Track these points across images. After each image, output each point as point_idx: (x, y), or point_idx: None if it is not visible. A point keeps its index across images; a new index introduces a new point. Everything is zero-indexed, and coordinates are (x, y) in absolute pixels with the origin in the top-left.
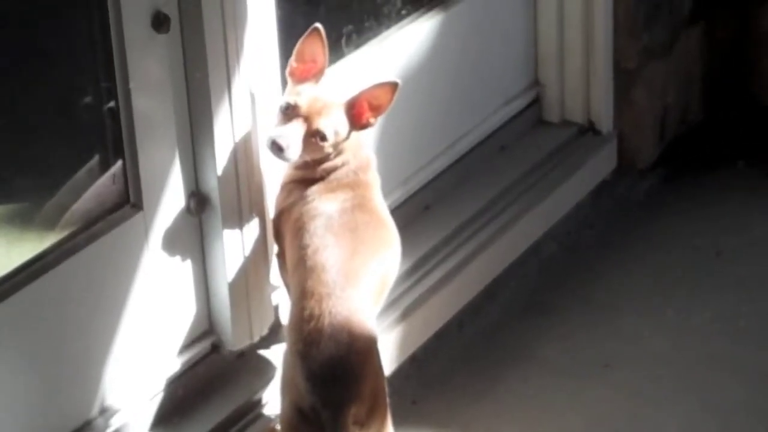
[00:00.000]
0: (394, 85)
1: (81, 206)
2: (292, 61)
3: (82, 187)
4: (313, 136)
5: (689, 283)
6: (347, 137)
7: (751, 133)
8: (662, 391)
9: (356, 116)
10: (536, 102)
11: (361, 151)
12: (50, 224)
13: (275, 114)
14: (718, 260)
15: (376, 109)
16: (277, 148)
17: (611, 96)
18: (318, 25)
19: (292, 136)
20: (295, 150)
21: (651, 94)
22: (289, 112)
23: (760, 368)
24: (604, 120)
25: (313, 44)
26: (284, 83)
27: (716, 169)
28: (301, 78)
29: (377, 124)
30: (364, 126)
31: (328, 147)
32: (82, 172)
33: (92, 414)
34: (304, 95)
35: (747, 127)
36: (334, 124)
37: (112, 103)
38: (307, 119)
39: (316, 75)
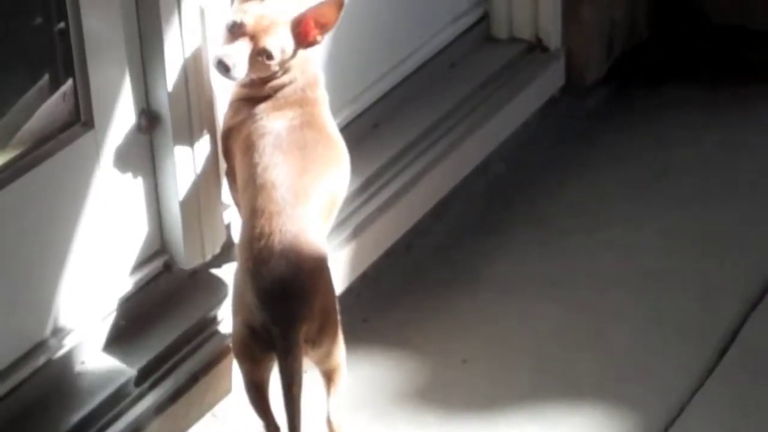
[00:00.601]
0: (340, 3)
1: (32, 125)
2: None
3: (32, 107)
4: (260, 55)
5: (637, 199)
6: (293, 55)
7: (698, 49)
8: (610, 306)
9: (302, 34)
10: (484, 19)
11: (309, 69)
12: (1, 144)
13: (222, 31)
14: (666, 176)
15: (322, 27)
16: (223, 68)
17: (559, 12)
18: None
19: (238, 55)
20: (241, 69)
21: (598, 10)
22: (236, 31)
23: (707, 281)
24: (552, 37)
25: None
26: None
27: (663, 85)
28: None
29: (325, 42)
30: (310, 44)
31: (274, 65)
32: (32, 92)
33: (45, 334)
34: (250, 13)
35: (693, 44)
36: (280, 42)
37: (62, 24)
38: (253, 38)
39: None
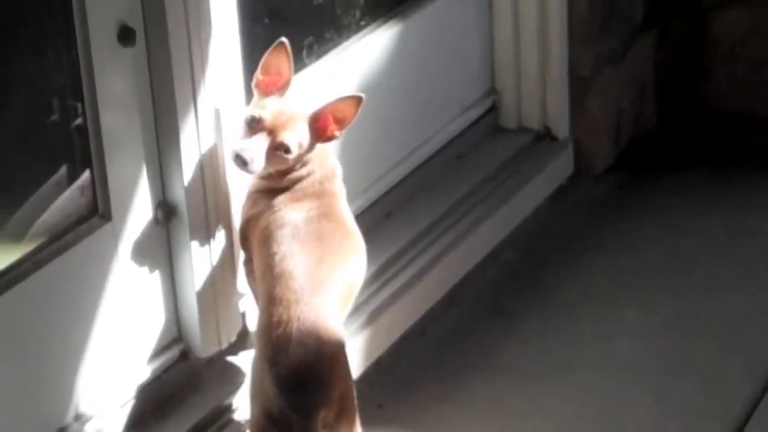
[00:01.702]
0: (358, 99)
1: (48, 218)
2: (258, 74)
3: (49, 200)
4: (277, 149)
5: (648, 286)
6: (311, 149)
7: (704, 138)
8: (624, 392)
9: (320, 129)
10: (493, 109)
11: (327, 162)
12: (18, 237)
13: (240, 126)
14: (676, 263)
15: (340, 122)
16: (241, 162)
17: (567, 102)
18: (284, 39)
19: (256, 149)
20: (258, 163)
21: (606, 100)
22: (254, 125)
23: (719, 370)
24: (560, 126)
25: (279, 58)
26: (248, 96)
27: (671, 174)
28: (266, 90)
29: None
30: (328, 138)
31: (291, 159)
32: (49, 185)
33: (67, 420)
34: (268, 108)
35: (699, 132)
36: (298, 137)
37: (79, 120)
38: (272, 132)
39: (282, 88)
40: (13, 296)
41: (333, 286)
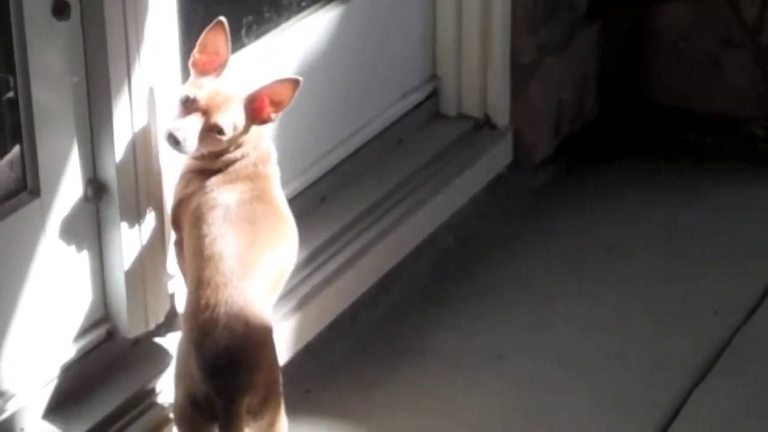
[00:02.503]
0: (295, 82)
1: None
2: (195, 53)
3: None
4: (211, 130)
5: (582, 276)
6: (246, 131)
7: (644, 130)
8: (555, 382)
9: (256, 111)
10: (433, 95)
11: (261, 144)
12: None
13: (175, 105)
14: (611, 254)
15: (276, 105)
16: (173, 141)
17: (508, 91)
18: (222, 18)
19: (189, 129)
20: (191, 143)
21: (547, 89)
22: (189, 105)
23: (648, 362)
24: (501, 114)
25: (217, 37)
26: (185, 75)
27: (610, 164)
28: (203, 70)
29: None
30: (264, 121)
31: (225, 141)
32: None
33: None
34: (204, 89)
35: (640, 124)
36: (232, 118)
37: (11, 94)
38: (206, 113)
39: (218, 68)
40: None
41: (263, 270)
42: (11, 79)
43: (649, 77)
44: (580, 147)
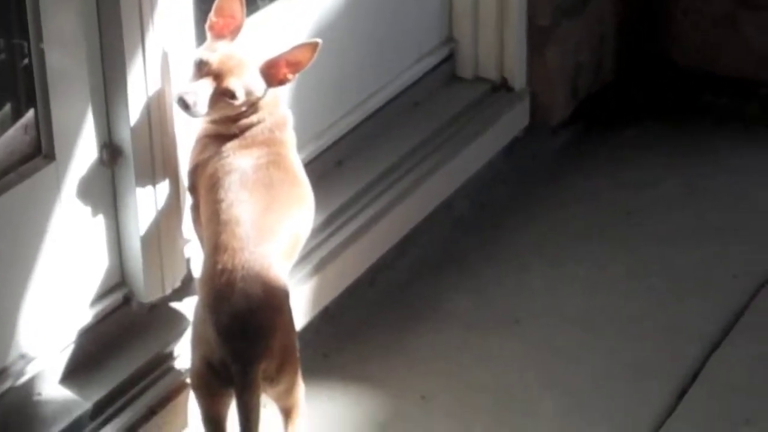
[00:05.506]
0: (314, 45)
1: None
2: (212, 16)
3: None
4: (223, 94)
5: (600, 240)
6: (263, 95)
7: (662, 93)
8: (571, 346)
9: (273, 75)
10: (450, 58)
11: (278, 110)
12: None
13: (190, 69)
14: (628, 218)
15: (294, 66)
16: (183, 104)
17: (524, 53)
18: None
19: (200, 92)
20: (202, 107)
21: (564, 51)
22: (201, 69)
23: (667, 326)
24: (517, 77)
25: (232, 0)
26: (200, 39)
27: (628, 128)
28: (219, 33)
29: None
30: (281, 82)
31: (238, 105)
32: None
33: (8, 361)
34: (217, 53)
35: (658, 87)
36: (245, 82)
37: (26, 60)
38: (218, 77)
39: (234, 31)
40: None
41: (279, 235)
42: (25, 43)
43: (668, 38)
44: (597, 110)
